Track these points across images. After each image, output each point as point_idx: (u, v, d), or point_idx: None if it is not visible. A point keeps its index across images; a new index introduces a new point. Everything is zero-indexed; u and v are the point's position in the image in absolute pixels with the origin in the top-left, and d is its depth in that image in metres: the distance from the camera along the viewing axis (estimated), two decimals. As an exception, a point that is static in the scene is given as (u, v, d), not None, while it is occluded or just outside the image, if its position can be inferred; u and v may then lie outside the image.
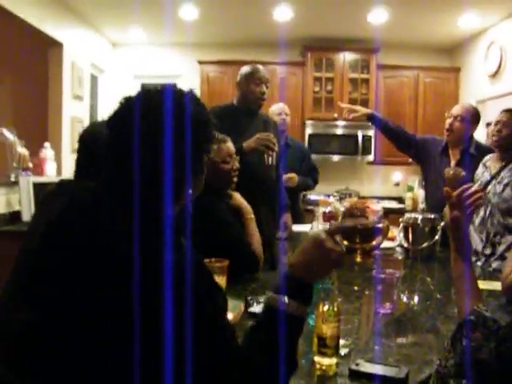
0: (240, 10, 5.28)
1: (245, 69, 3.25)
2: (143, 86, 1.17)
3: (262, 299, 1.97)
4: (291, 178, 4.10)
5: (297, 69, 6.31)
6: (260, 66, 3.28)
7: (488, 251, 2.96)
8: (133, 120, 1.06)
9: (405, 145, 3.75)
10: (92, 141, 1.77)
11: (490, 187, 2.96)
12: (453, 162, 3.47)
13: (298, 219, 4.05)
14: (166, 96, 1.10)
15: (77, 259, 1.00)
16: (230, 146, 2.53)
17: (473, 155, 3.39)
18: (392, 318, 1.90)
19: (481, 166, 3.16)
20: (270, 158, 3.05)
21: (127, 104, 1.13)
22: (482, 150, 3.34)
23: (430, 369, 1.43)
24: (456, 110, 3.46)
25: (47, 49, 5.18)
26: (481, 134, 5.10)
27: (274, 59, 6.16)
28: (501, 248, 2.87)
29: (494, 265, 2.85)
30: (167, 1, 4.74)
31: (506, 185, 2.89)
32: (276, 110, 4.34)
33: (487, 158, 3.16)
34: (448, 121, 3.46)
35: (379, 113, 6.08)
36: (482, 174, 3.10)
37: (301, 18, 5.39)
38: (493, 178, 2.97)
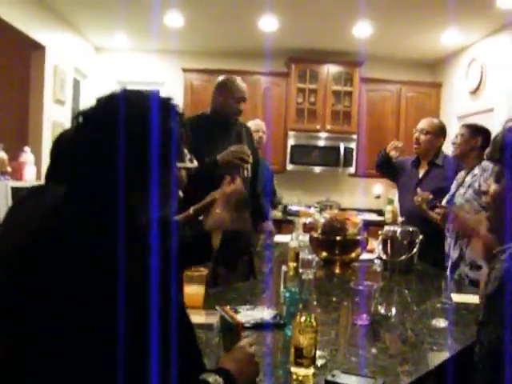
0: (225, 19, 5.29)
1: (224, 82, 3.21)
2: (124, 90, 1.15)
3: (240, 309, 1.96)
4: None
5: (281, 79, 6.34)
6: (240, 81, 3.23)
7: (456, 254, 3.03)
8: (103, 125, 1.06)
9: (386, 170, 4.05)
10: (64, 145, 1.75)
11: (457, 192, 3.13)
12: (421, 174, 3.71)
13: None
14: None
15: (51, 263, 0.99)
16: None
17: (439, 166, 3.66)
18: (369, 329, 1.90)
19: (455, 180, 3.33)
20: (245, 171, 3.04)
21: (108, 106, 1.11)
22: (449, 162, 3.58)
23: (405, 379, 1.43)
24: (421, 124, 3.76)
25: (29, 51, 5.13)
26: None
27: (258, 69, 6.18)
28: (468, 252, 2.94)
29: (465, 270, 2.91)
30: (152, 7, 4.73)
31: (469, 186, 3.08)
32: (253, 126, 4.32)
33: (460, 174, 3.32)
34: (415, 135, 3.74)
35: (362, 126, 6.21)
36: (454, 185, 3.26)
37: (286, 29, 5.42)
38: (459, 186, 3.20)
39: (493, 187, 1.18)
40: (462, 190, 3.13)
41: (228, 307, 1.62)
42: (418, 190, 3.36)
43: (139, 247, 1.05)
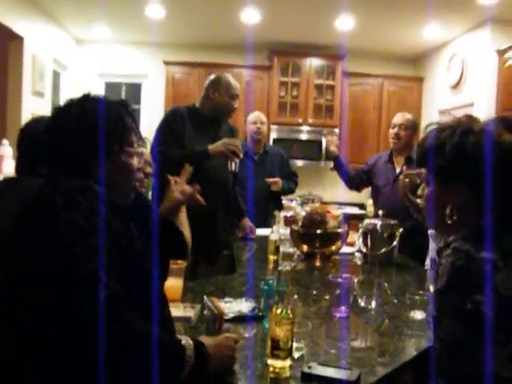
0: (207, 11, 5.25)
1: (219, 79, 3.24)
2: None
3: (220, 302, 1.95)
4: (276, 182, 4.12)
5: (263, 73, 6.32)
6: (233, 79, 3.28)
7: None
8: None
9: (356, 184, 4.09)
10: (32, 135, 1.72)
11: None
12: (398, 169, 3.68)
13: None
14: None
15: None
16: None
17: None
18: (347, 321, 1.90)
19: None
20: (233, 164, 3.05)
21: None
22: None
23: (382, 371, 1.43)
24: (399, 119, 3.75)
25: (7, 42, 5.04)
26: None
27: (240, 62, 6.15)
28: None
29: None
30: (133, -1, 4.68)
31: None
32: (252, 118, 4.36)
33: None
34: (394, 130, 3.73)
35: (344, 120, 6.21)
36: None
37: (268, 22, 5.40)
38: None
39: (425, 191, 1.24)
40: None
41: (215, 298, 1.64)
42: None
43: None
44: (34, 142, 1.65)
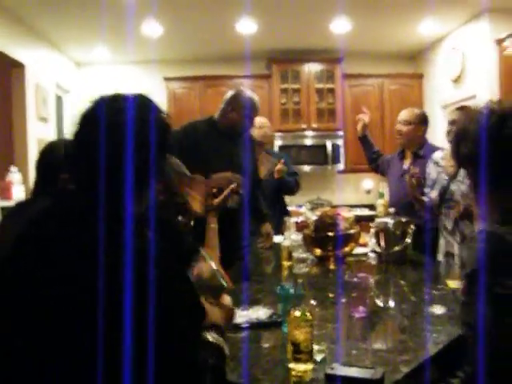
0: (203, 25, 5.29)
1: (238, 99, 3.17)
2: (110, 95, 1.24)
3: (236, 310, 1.95)
4: (279, 169, 4.14)
5: (263, 81, 6.34)
6: (252, 95, 3.21)
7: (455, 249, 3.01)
8: (97, 125, 1.11)
9: (374, 165, 4.12)
10: (51, 157, 1.74)
11: (453, 187, 3.02)
12: (406, 165, 3.67)
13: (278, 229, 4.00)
14: (130, 102, 1.19)
15: (48, 263, 1.02)
16: None
17: (422, 156, 3.59)
18: (367, 321, 1.89)
19: (432, 164, 3.24)
20: (231, 200, 3.03)
21: (93, 109, 1.20)
22: (434, 151, 3.46)
23: (405, 368, 1.42)
24: (402, 115, 3.74)
25: (9, 70, 5.10)
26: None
27: (239, 73, 6.18)
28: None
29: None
30: (130, 18, 4.72)
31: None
32: (257, 123, 4.37)
33: (437, 155, 3.24)
34: (396, 126, 3.73)
35: (347, 122, 6.21)
36: (437, 173, 3.18)
37: (264, 31, 5.43)
38: (452, 178, 3.04)
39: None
40: (462, 187, 2.99)
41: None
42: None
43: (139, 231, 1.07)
44: (52, 164, 1.68)
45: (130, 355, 0.96)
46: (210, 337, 1.21)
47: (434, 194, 3.17)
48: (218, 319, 1.28)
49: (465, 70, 5.46)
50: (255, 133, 4.35)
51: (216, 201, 2.47)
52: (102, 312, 0.95)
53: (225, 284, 1.39)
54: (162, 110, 1.24)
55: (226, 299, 1.36)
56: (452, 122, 3.20)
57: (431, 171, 3.26)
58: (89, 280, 0.97)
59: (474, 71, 5.30)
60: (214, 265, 1.41)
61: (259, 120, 4.48)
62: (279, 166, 4.15)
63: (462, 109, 3.26)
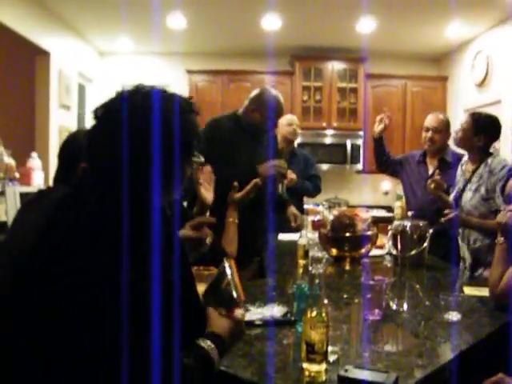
0: (228, 19, 5.29)
1: (262, 99, 3.10)
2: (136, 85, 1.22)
3: (250, 307, 1.95)
4: (290, 179, 4.10)
5: (285, 78, 6.33)
6: (277, 95, 3.14)
7: (470, 259, 2.99)
8: (122, 114, 1.09)
9: (384, 166, 4.01)
10: (73, 147, 1.76)
11: (467, 194, 3.02)
12: (431, 170, 3.63)
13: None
14: (156, 93, 1.19)
15: (70, 256, 1.01)
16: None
17: (448, 162, 3.57)
18: (381, 324, 1.88)
19: (459, 168, 3.24)
20: (280, 186, 3.03)
21: (118, 99, 1.16)
22: (457, 157, 3.46)
23: (419, 373, 1.41)
24: (432, 122, 3.62)
25: (34, 57, 5.15)
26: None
27: (262, 68, 6.17)
28: (483, 255, 2.89)
29: (485, 273, 2.83)
30: (155, 10, 4.73)
31: (475, 191, 2.96)
32: (285, 121, 4.36)
33: (464, 159, 3.23)
34: (427, 134, 3.61)
35: (368, 122, 6.17)
36: (459, 176, 3.18)
37: (289, 28, 5.41)
38: (467, 183, 3.04)
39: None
40: (468, 194, 3.00)
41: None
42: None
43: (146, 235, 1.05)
44: (74, 153, 1.69)
45: (159, 352, 0.96)
46: (203, 343, 1.19)
47: (450, 197, 3.16)
48: (220, 329, 1.24)
49: (490, 75, 5.39)
50: (284, 130, 4.34)
51: (238, 195, 2.46)
52: (126, 304, 0.94)
53: (235, 296, 1.35)
54: (188, 98, 1.24)
55: (238, 313, 1.32)
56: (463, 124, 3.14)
57: (458, 175, 3.25)
58: (109, 271, 0.97)
59: (499, 76, 5.24)
60: (230, 275, 1.38)
61: (289, 117, 4.47)
62: (290, 177, 4.07)
63: (472, 114, 3.19)
